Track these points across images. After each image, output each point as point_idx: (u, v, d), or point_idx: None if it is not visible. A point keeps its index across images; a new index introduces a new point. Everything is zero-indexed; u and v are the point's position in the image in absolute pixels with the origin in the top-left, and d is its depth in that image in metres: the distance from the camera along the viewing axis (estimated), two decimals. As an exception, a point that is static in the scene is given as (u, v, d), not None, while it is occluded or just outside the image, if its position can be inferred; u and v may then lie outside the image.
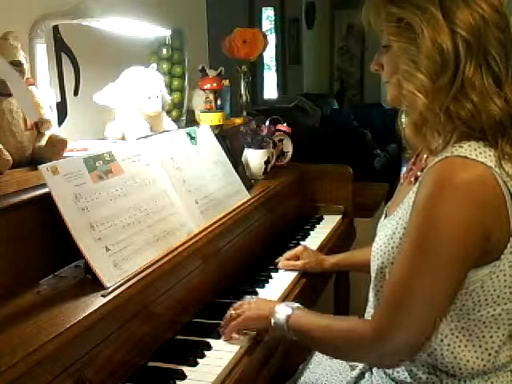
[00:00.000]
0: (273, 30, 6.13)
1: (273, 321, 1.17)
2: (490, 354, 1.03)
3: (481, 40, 0.96)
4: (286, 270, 1.62)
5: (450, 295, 0.98)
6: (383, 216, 1.22)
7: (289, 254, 1.66)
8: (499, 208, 0.95)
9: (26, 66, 1.24)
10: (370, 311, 1.20)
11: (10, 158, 1.14)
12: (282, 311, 1.16)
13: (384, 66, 1.09)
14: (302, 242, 1.87)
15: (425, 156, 1.10)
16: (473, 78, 0.96)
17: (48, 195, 1.10)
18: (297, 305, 1.18)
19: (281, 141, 2.21)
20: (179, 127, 1.83)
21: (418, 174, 1.09)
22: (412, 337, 0.99)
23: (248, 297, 1.32)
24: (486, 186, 0.95)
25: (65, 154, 1.28)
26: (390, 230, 1.08)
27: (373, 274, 1.14)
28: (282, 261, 1.65)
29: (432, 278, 0.95)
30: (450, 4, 0.97)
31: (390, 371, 1.14)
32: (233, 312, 1.25)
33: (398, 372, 1.12)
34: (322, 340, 1.12)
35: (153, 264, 1.19)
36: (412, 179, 1.11)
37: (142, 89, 1.64)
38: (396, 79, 1.05)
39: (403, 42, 1.00)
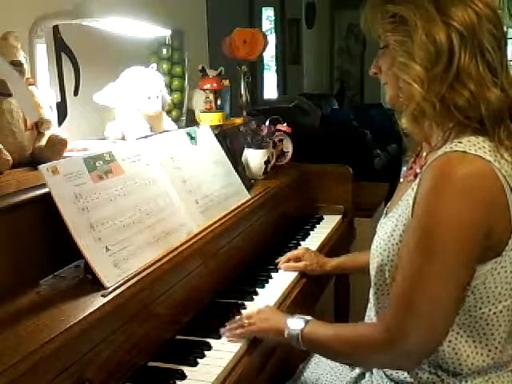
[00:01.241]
0: (273, 30, 6.13)
1: (286, 333, 1.16)
2: (490, 350, 1.03)
3: (475, 34, 0.98)
4: (287, 270, 1.62)
5: (459, 293, 0.98)
6: (383, 215, 1.22)
7: (290, 255, 1.66)
8: (499, 203, 0.96)
9: (26, 66, 1.24)
10: (370, 314, 1.20)
11: (10, 157, 1.14)
12: (296, 324, 1.16)
13: (382, 67, 1.10)
14: (301, 242, 1.87)
15: (424, 154, 1.10)
16: (468, 67, 0.98)
17: (48, 195, 1.10)
18: (309, 317, 1.17)
19: (281, 141, 2.21)
20: (179, 127, 1.83)
21: (418, 170, 1.09)
22: (424, 338, 0.99)
23: (253, 304, 1.31)
24: (485, 181, 0.95)
25: (65, 154, 1.28)
26: (389, 228, 1.08)
27: (372, 273, 1.14)
28: (282, 262, 1.64)
29: (439, 278, 0.95)
30: (444, 1, 0.99)
31: (389, 371, 1.14)
32: (245, 321, 1.23)
33: (397, 372, 1.12)
34: (336, 349, 1.12)
35: (153, 264, 1.19)
36: (412, 176, 1.11)
37: (142, 89, 1.64)
38: (392, 73, 1.06)
39: (398, 35, 1.02)
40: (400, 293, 1.00)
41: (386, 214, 1.19)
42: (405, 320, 0.98)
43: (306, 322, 1.15)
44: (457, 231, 0.94)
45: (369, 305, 1.21)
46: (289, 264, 1.63)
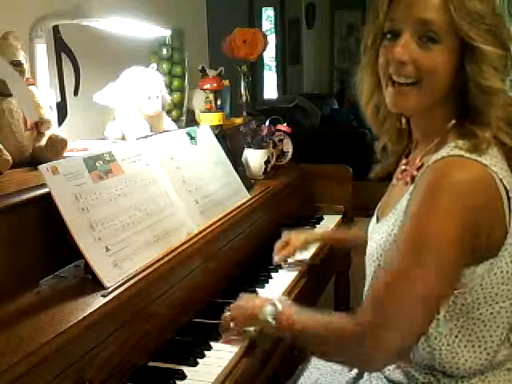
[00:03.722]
0: (273, 30, 6.13)
1: (262, 311, 1.14)
2: (488, 354, 1.03)
3: None
4: (289, 268, 1.62)
5: (443, 292, 0.98)
6: (374, 218, 1.22)
7: (278, 245, 1.65)
8: (495, 206, 0.96)
9: (26, 66, 1.24)
10: None
11: (10, 157, 1.14)
12: (272, 303, 1.14)
13: (428, 63, 0.99)
14: (302, 242, 1.87)
15: (419, 156, 1.10)
16: None
17: (48, 195, 1.10)
18: (284, 297, 1.16)
19: (281, 141, 2.21)
20: (179, 127, 1.83)
21: (414, 173, 1.08)
22: (401, 334, 0.97)
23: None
24: (482, 185, 0.95)
25: (65, 154, 1.28)
26: (385, 232, 1.07)
27: (369, 278, 1.14)
28: (276, 255, 1.64)
29: (425, 276, 0.95)
30: None
31: (387, 372, 1.14)
32: (227, 315, 1.23)
33: (394, 372, 1.12)
34: (312, 333, 1.07)
35: (153, 264, 1.19)
36: (408, 179, 1.10)
37: (142, 89, 1.64)
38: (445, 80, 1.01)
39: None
40: (382, 286, 0.99)
41: (378, 217, 1.18)
42: (385, 314, 0.97)
43: (282, 301, 1.14)
44: (446, 232, 0.94)
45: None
46: (281, 255, 1.63)
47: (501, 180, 0.96)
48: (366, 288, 1.15)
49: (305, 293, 1.57)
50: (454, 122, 1.03)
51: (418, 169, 1.07)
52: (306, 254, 1.68)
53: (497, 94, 0.98)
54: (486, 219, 0.96)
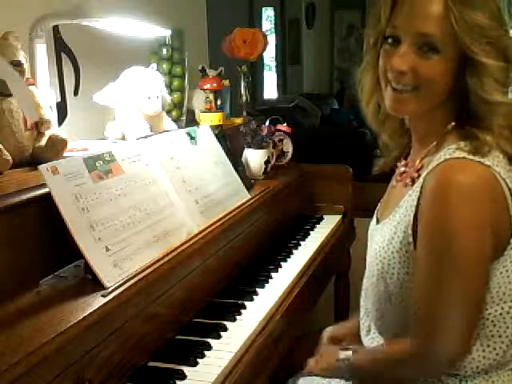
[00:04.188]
0: (273, 30, 6.13)
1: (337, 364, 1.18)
2: (497, 354, 1.03)
3: None
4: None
5: (482, 294, 0.99)
6: (374, 219, 1.21)
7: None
8: (502, 205, 0.97)
9: (26, 66, 1.24)
10: (365, 318, 1.20)
11: (10, 157, 1.14)
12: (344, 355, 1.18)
13: (426, 71, 0.99)
14: (302, 242, 1.87)
15: (419, 158, 1.09)
16: None
17: (48, 195, 1.10)
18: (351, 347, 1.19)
19: (281, 141, 2.21)
20: (179, 127, 1.83)
21: (414, 175, 1.08)
22: (453, 345, 1.00)
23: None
24: (488, 185, 0.96)
25: (65, 154, 1.28)
26: (387, 235, 1.07)
27: (372, 280, 1.13)
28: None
29: (460, 282, 0.96)
30: None
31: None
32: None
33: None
34: (379, 372, 1.13)
35: (153, 264, 1.19)
36: (408, 181, 1.10)
37: (142, 89, 1.64)
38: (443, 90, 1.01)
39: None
40: (425, 306, 1.01)
41: (378, 219, 1.18)
42: (434, 332, 0.99)
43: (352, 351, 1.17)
44: (473, 233, 0.95)
45: (361, 313, 1.21)
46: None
47: (504, 179, 0.96)
48: (373, 292, 1.15)
49: (305, 293, 1.57)
50: (453, 123, 1.03)
51: (418, 170, 1.07)
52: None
53: (498, 105, 0.98)
54: (496, 216, 0.97)
